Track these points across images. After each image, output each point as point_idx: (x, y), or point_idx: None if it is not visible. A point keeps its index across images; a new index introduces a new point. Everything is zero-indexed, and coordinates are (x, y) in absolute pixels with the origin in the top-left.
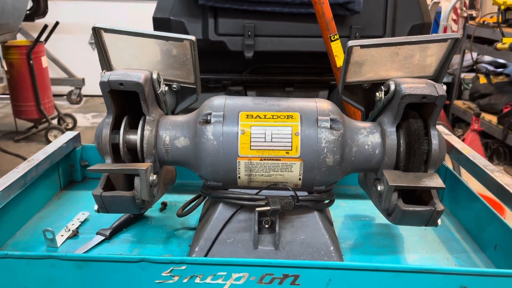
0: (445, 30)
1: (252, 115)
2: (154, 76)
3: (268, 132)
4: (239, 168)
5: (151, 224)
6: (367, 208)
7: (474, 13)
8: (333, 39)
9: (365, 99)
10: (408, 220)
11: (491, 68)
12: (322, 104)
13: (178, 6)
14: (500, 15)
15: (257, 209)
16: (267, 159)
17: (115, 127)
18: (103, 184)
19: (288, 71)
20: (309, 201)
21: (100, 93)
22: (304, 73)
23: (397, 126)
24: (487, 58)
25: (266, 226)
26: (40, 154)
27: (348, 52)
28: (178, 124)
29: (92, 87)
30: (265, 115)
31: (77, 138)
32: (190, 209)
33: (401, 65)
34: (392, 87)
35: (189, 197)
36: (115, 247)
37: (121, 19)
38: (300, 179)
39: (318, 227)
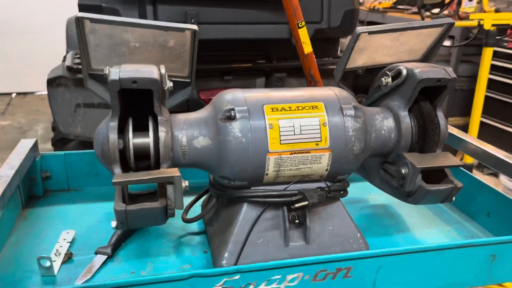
0: None
1: (278, 108)
2: (163, 71)
3: (297, 124)
4: (268, 165)
5: (150, 234)
6: (356, 191)
7: None
8: (300, 26)
9: (354, 84)
10: (428, 199)
11: None
12: (340, 93)
13: None
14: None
15: (296, 205)
16: (297, 153)
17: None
18: (122, 197)
19: (225, 59)
20: (336, 191)
21: None
22: (242, 60)
23: None
24: None
25: (296, 221)
26: (6, 169)
27: (355, 39)
28: (194, 122)
29: None
30: (290, 107)
31: (35, 146)
32: (201, 214)
33: (396, 50)
34: (404, 72)
35: None
36: (124, 265)
37: (39, 6)
38: (327, 170)
39: (343, 215)
